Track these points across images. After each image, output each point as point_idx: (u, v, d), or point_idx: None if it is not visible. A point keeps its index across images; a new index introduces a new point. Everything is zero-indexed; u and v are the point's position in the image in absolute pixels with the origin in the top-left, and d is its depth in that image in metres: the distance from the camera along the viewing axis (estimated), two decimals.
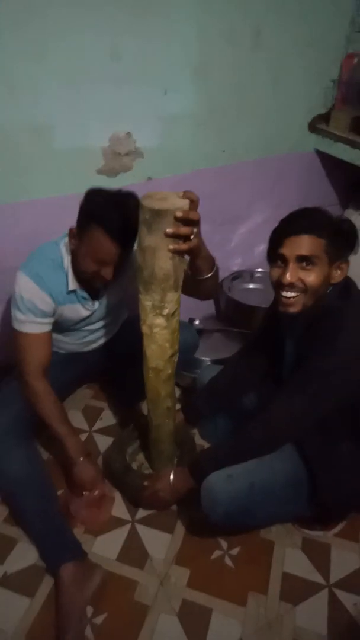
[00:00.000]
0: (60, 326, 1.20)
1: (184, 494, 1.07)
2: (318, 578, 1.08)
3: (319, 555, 1.12)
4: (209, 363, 1.53)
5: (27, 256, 1.11)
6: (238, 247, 1.80)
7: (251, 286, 1.86)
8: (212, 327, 1.76)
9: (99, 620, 1.00)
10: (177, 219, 0.78)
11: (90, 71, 1.22)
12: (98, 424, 1.48)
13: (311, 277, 0.86)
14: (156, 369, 0.97)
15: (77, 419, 1.49)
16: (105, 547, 1.13)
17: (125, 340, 1.32)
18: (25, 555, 1.11)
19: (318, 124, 1.65)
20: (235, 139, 1.54)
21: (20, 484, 1.05)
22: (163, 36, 1.26)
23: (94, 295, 1.17)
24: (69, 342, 1.29)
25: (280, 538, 1.15)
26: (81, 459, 1.10)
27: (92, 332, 1.29)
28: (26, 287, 1.07)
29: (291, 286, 0.87)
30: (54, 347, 1.26)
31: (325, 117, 1.65)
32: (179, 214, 0.77)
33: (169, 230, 0.78)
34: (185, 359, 1.32)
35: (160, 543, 1.14)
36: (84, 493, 1.14)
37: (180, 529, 1.17)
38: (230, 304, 1.74)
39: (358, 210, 1.77)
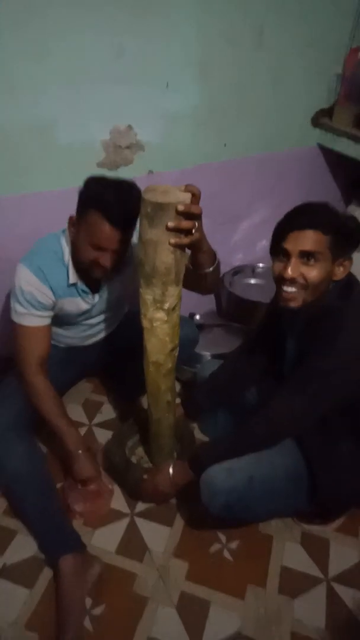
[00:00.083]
0: (61, 320, 1.20)
1: (184, 487, 1.07)
2: (316, 572, 1.08)
3: (318, 550, 1.12)
4: (209, 358, 1.53)
5: (28, 249, 1.11)
6: (239, 242, 1.80)
7: (252, 281, 1.85)
8: (212, 322, 1.76)
9: (97, 611, 1.01)
10: (178, 213, 0.77)
11: (91, 70, 1.21)
12: (98, 418, 1.48)
13: (313, 273, 0.86)
14: (156, 363, 0.97)
15: (77, 413, 1.49)
16: (104, 540, 1.14)
17: (126, 335, 1.32)
18: (24, 547, 1.11)
19: (321, 119, 1.64)
20: (237, 135, 1.53)
21: (21, 479, 1.05)
22: (163, 35, 1.26)
23: (94, 289, 1.17)
24: (69, 336, 1.29)
25: (280, 532, 1.16)
26: (80, 452, 1.11)
27: (92, 326, 1.29)
28: (26, 280, 1.06)
29: (292, 281, 0.87)
30: (53, 341, 1.26)
31: (328, 112, 1.64)
32: (181, 207, 0.77)
33: (171, 223, 0.78)
34: (186, 354, 1.32)
35: (159, 536, 1.15)
36: (83, 486, 1.14)
37: (179, 522, 1.18)
38: (232, 299, 1.73)
39: None
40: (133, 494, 1.22)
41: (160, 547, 1.13)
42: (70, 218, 1.04)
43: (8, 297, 1.16)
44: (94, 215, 0.96)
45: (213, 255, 0.97)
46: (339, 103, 1.61)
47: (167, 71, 1.31)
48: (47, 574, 1.07)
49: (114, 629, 0.98)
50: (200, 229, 0.84)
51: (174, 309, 0.90)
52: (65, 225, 1.09)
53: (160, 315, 0.90)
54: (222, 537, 1.15)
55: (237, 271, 1.84)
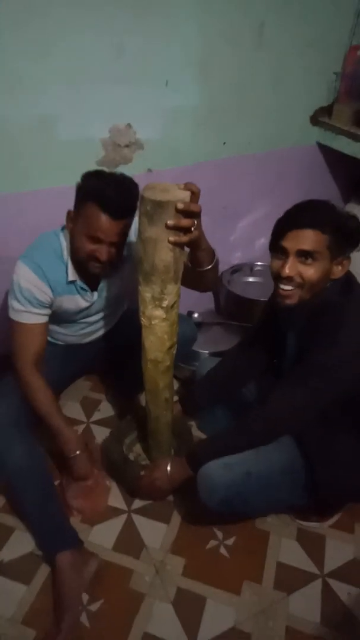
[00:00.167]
0: (59, 318, 1.20)
1: (181, 484, 1.08)
2: (312, 568, 1.09)
3: (313, 546, 1.13)
4: (207, 356, 1.54)
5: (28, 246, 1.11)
6: (238, 240, 1.80)
7: (251, 279, 1.85)
8: (211, 320, 1.76)
9: (94, 607, 1.01)
10: (178, 211, 0.78)
11: (91, 69, 1.22)
12: (96, 415, 1.49)
13: (310, 272, 0.86)
14: (155, 361, 0.97)
15: (75, 410, 1.50)
16: (101, 537, 1.14)
17: (124, 332, 1.32)
18: (22, 543, 1.12)
19: (320, 117, 1.64)
20: (236, 134, 1.53)
21: (21, 475, 1.06)
22: (164, 35, 1.26)
23: (93, 287, 1.17)
24: (67, 334, 1.29)
25: (276, 528, 1.17)
26: (78, 452, 1.11)
27: (91, 324, 1.29)
28: (25, 277, 1.06)
29: (289, 279, 0.88)
30: (52, 339, 1.26)
31: (328, 110, 1.64)
32: (180, 205, 0.77)
33: (170, 222, 0.78)
34: (184, 352, 1.32)
35: (156, 533, 1.16)
36: (81, 483, 1.15)
37: (176, 519, 1.19)
38: (230, 297, 1.74)
39: (359, 204, 1.77)
40: (131, 490, 1.23)
41: (157, 544, 1.13)
42: (69, 212, 1.05)
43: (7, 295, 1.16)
44: (91, 207, 0.97)
45: (212, 253, 0.98)
46: (338, 101, 1.61)
47: (166, 70, 1.31)
48: (44, 570, 1.07)
49: (111, 624, 0.99)
50: (199, 227, 0.85)
51: (172, 306, 0.90)
52: (65, 223, 1.10)
53: (159, 312, 0.90)
54: (219, 534, 1.16)
55: (236, 269, 1.84)
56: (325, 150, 1.71)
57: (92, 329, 1.32)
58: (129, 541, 1.14)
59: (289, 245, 0.86)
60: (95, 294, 1.18)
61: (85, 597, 1.02)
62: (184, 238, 0.82)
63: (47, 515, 1.07)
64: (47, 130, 1.25)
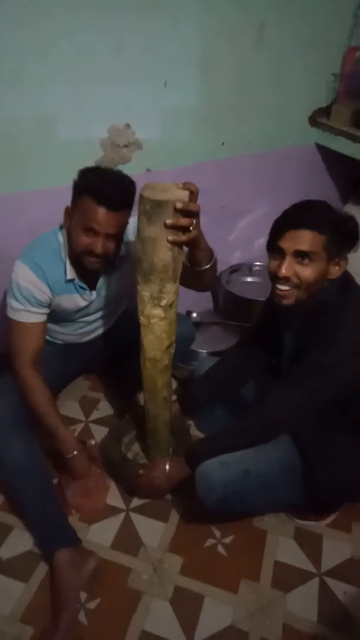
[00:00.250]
0: (58, 317, 1.20)
1: (180, 483, 1.08)
2: (309, 567, 1.10)
3: (311, 545, 1.14)
4: (205, 355, 1.54)
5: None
6: (237, 240, 1.81)
7: (249, 279, 1.86)
8: (210, 320, 1.76)
9: (92, 605, 1.01)
10: (176, 211, 0.78)
11: (91, 69, 1.22)
12: (94, 415, 1.49)
13: (307, 273, 0.87)
14: (153, 360, 0.98)
15: (74, 410, 1.50)
16: (99, 535, 1.15)
17: (123, 332, 1.32)
18: (20, 541, 1.12)
19: (319, 118, 1.65)
20: (235, 134, 1.54)
21: (21, 473, 1.06)
22: (164, 34, 1.26)
23: (92, 286, 1.17)
24: (66, 333, 1.29)
25: (274, 527, 1.17)
26: (75, 452, 1.12)
27: (90, 323, 1.29)
28: (24, 276, 1.07)
29: (286, 280, 0.88)
30: (51, 338, 1.26)
31: (326, 111, 1.65)
32: (179, 205, 0.77)
33: (169, 221, 0.78)
34: (182, 351, 1.33)
35: (154, 531, 1.16)
36: (79, 482, 1.15)
37: (174, 517, 1.19)
38: (229, 297, 1.74)
39: (358, 205, 1.77)
40: (129, 489, 1.23)
41: (155, 542, 1.14)
42: (66, 209, 1.05)
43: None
44: (86, 200, 0.98)
45: (210, 252, 0.98)
46: (336, 102, 1.62)
47: (165, 70, 1.31)
48: (42, 568, 1.07)
49: (109, 622, 0.99)
50: (197, 226, 0.85)
51: (171, 305, 0.91)
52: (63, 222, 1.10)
53: (158, 312, 0.90)
54: (217, 533, 1.16)
55: (235, 269, 1.84)
56: (323, 150, 1.72)
57: (91, 328, 1.32)
58: (127, 540, 1.14)
59: (286, 245, 0.87)
60: (94, 293, 1.19)
61: (83, 595, 1.02)
62: (183, 237, 0.82)
63: (46, 513, 1.07)
64: (46, 130, 1.25)
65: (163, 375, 1.02)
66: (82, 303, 1.19)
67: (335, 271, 0.91)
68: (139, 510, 1.21)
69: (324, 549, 1.13)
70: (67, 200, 1.05)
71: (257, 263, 1.86)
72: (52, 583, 1.02)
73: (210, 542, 1.14)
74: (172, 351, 1.00)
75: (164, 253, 0.82)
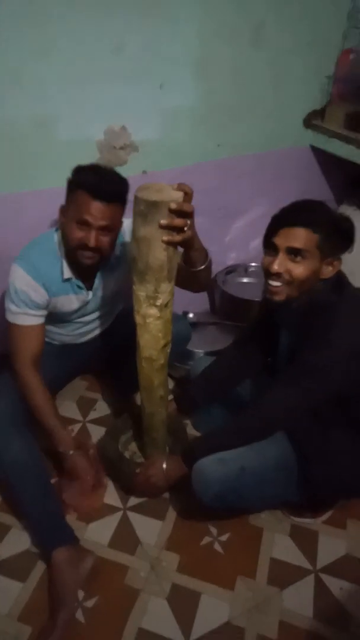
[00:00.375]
0: (55, 317, 1.21)
1: (177, 481, 1.09)
2: (305, 563, 1.11)
3: (306, 542, 1.15)
4: (202, 355, 1.55)
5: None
6: (233, 241, 1.82)
7: (245, 280, 1.87)
8: (206, 320, 1.78)
9: (90, 603, 1.02)
10: (171, 211, 0.79)
11: (87, 71, 1.23)
12: (92, 415, 1.50)
13: (299, 270, 0.88)
14: (149, 359, 0.99)
15: (71, 410, 1.50)
16: (97, 534, 1.15)
17: (121, 332, 1.33)
18: (18, 541, 1.13)
19: (314, 120, 1.67)
20: (231, 135, 1.55)
21: (20, 472, 1.07)
22: (163, 34, 1.27)
23: (89, 286, 1.18)
24: (63, 334, 1.30)
25: (270, 525, 1.18)
26: (71, 452, 1.12)
27: (87, 323, 1.30)
28: (20, 279, 1.08)
29: (278, 276, 0.89)
30: (48, 339, 1.27)
31: (320, 113, 1.67)
32: (173, 205, 0.79)
33: (163, 221, 0.80)
34: (178, 351, 1.34)
35: (151, 529, 1.17)
36: (77, 481, 1.16)
37: (171, 516, 1.20)
38: (225, 297, 1.75)
39: (353, 206, 1.78)
40: (126, 488, 1.24)
41: (152, 540, 1.14)
42: (61, 207, 1.07)
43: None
44: (80, 195, 0.99)
45: (205, 253, 0.99)
46: (331, 104, 1.64)
47: (165, 70, 1.32)
48: (40, 567, 1.08)
49: (106, 620, 1.00)
50: (192, 227, 0.86)
51: (166, 305, 0.92)
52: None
53: (153, 311, 0.91)
54: (213, 530, 1.17)
55: (231, 270, 1.85)
56: (318, 152, 1.73)
57: (88, 329, 1.33)
58: (125, 538, 1.15)
59: (280, 242, 0.88)
60: (90, 293, 1.20)
61: (80, 594, 1.03)
62: (177, 237, 0.83)
63: (44, 511, 1.08)
64: (46, 130, 1.26)
65: (159, 374, 1.03)
66: (79, 303, 1.19)
67: (328, 271, 0.91)
68: (136, 509, 1.22)
69: (320, 545, 1.14)
70: (62, 201, 1.06)
71: (253, 264, 1.87)
72: (49, 582, 1.03)
73: (207, 539, 1.15)
74: (168, 350, 1.01)
75: (159, 253, 0.84)
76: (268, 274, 0.91)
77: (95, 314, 1.29)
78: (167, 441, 1.24)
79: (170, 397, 1.27)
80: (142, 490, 1.19)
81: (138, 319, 0.94)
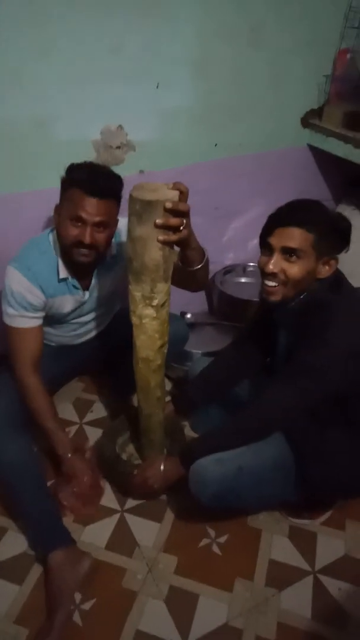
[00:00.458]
0: (51, 319, 1.20)
1: (174, 482, 1.09)
2: (304, 564, 1.10)
3: (305, 543, 1.14)
4: (200, 356, 1.55)
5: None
6: (231, 241, 1.81)
7: (243, 280, 1.87)
8: (204, 321, 1.77)
9: (87, 606, 1.01)
10: (166, 210, 0.79)
11: (84, 71, 1.23)
12: (89, 417, 1.49)
13: (294, 270, 0.88)
14: (146, 359, 0.98)
15: (68, 412, 1.50)
16: (94, 536, 1.15)
17: (118, 333, 1.32)
18: (14, 544, 1.12)
19: (311, 119, 1.66)
20: (229, 135, 1.55)
21: (17, 473, 1.06)
22: (162, 34, 1.27)
23: (85, 286, 1.18)
24: (59, 335, 1.29)
25: (268, 526, 1.18)
26: (69, 455, 1.12)
27: (83, 324, 1.29)
28: (16, 281, 1.07)
29: (273, 275, 0.89)
30: (45, 340, 1.26)
31: (318, 113, 1.66)
32: (169, 205, 0.78)
33: (159, 220, 0.79)
34: (176, 351, 1.33)
35: (148, 532, 1.16)
36: (74, 483, 1.15)
37: (168, 518, 1.19)
38: (223, 297, 1.75)
39: (351, 205, 1.78)
40: (123, 490, 1.23)
41: (150, 542, 1.14)
42: (55, 206, 1.06)
43: None
44: (74, 192, 0.99)
45: (202, 252, 0.99)
46: (328, 103, 1.63)
47: (164, 70, 1.32)
48: (37, 570, 1.07)
49: (103, 623, 0.99)
50: (188, 226, 0.86)
51: (163, 305, 0.91)
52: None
53: (150, 311, 0.91)
54: (211, 532, 1.16)
55: (228, 270, 1.85)
56: (316, 152, 1.73)
57: (85, 330, 1.32)
58: (122, 540, 1.14)
59: (275, 241, 0.88)
60: (87, 293, 1.19)
61: (77, 597, 1.02)
62: (173, 237, 0.83)
63: (41, 513, 1.07)
64: (46, 130, 1.26)
65: (156, 375, 1.02)
66: (76, 304, 1.19)
67: (324, 271, 0.91)
68: (134, 511, 1.21)
69: (318, 546, 1.14)
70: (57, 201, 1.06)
71: (251, 264, 1.86)
72: (46, 584, 1.02)
73: (204, 541, 1.15)
74: (165, 351, 1.00)
75: (154, 253, 0.83)
76: (264, 274, 0.91)
77: (92, 315, 1.29)
78: (165, 442, 1.23)
79: (168, 398, 1.26)
80: (140, 492, 1.18)
81: (134, 319, 0.93)
